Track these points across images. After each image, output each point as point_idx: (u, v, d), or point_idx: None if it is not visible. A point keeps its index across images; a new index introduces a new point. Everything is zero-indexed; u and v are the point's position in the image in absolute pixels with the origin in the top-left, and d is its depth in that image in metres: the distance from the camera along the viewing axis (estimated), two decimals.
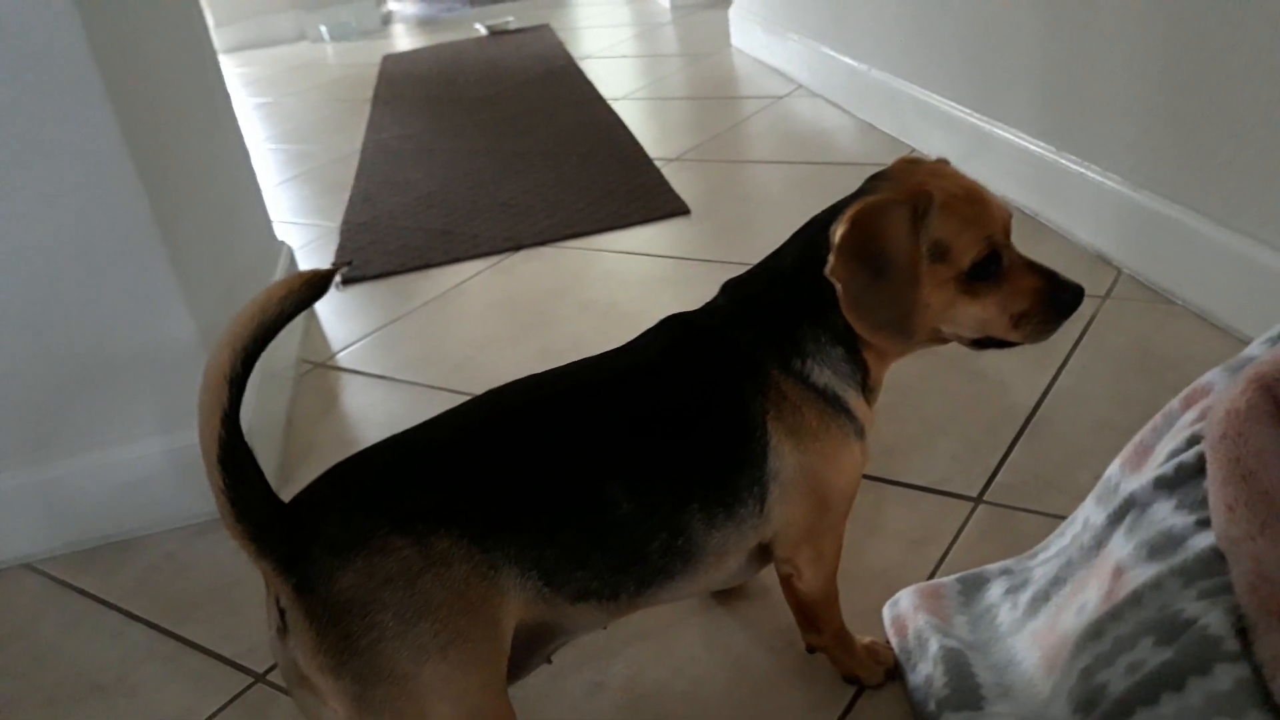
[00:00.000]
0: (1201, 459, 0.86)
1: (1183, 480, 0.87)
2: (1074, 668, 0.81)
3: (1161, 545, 0.83)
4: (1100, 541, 0.93)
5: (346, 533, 0.79)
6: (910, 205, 0.89)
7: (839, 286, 0.89)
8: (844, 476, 0.97)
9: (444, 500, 0.83)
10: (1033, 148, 2.05)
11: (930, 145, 2.52)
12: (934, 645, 1.01)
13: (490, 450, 0.88)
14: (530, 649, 0.92)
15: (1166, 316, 1.64)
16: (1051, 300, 0.93)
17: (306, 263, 2.51)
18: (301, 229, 2.84)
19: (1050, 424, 1.43)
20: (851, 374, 0.96)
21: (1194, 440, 0.90)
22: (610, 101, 3.67)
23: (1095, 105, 1.83)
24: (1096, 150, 1.85)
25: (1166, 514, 0.86)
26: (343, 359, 2.03)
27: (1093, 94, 1.83)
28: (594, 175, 2.87)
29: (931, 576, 1.19)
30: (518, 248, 2.44)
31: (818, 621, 1.06)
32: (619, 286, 2.16)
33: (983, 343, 0.96)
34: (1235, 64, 1.44)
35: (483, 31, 5.60)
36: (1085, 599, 0.89)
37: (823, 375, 0.95)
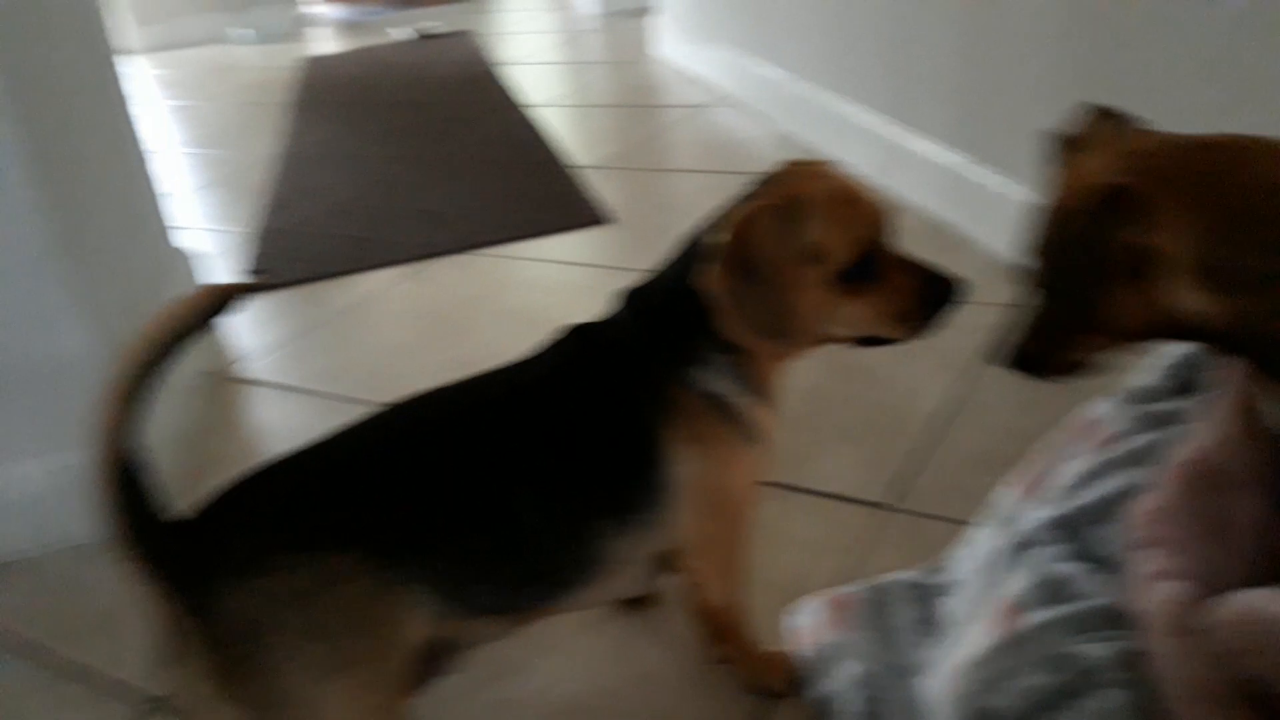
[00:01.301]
0: (1104, 504, 0.92)
1: (1081, 523, 0.91)
2: (965, 692, 0.84)
3: (1056, 592, 0.87)
4: (997, 578, 0.95)
5: (243, 553, 0.78)
6: (781, 210, 0.90)
7: (715, 295, 0.90)
8: (742, 483, 0.98)
9: (343, 519, 0.82)
10: (951, 158, 2.08)
11: (850, 156, 2.54)
12: (844, 667, 1.00)
13: (392, 466, 0.87)
14: (435, 662, 0.91)
15: None
16: (931, 296, 0.94)
17: (220, 270, 2.45)
18: (216, 236, 2.77)
19: (957, 431, 1.45)
20: (744, 380, 0.96)
21: (1093, 474, 0.95)
22: (533, 108, 3.65)
23: (1011, 117, 1.87)
24: (1013, 161, 1.88)
25: (1060, 558, 0.90)
26: (251, 370, 1.98)
27: (1009, 106, 1.87)
28: (515, 182, 2.85)
29: (839, 584, 1.19)
30: (436, 255, 2.40)
31: (724, 632, 1.06)
32: (539, 295, 2.14)
33: (867, 341, 0.97)
34: (1148, 79, 1.47)
35: (405, 36, 5.54)
36: (980, 632, 0.92)
37: (715, 383, 0.95)
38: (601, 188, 2.70)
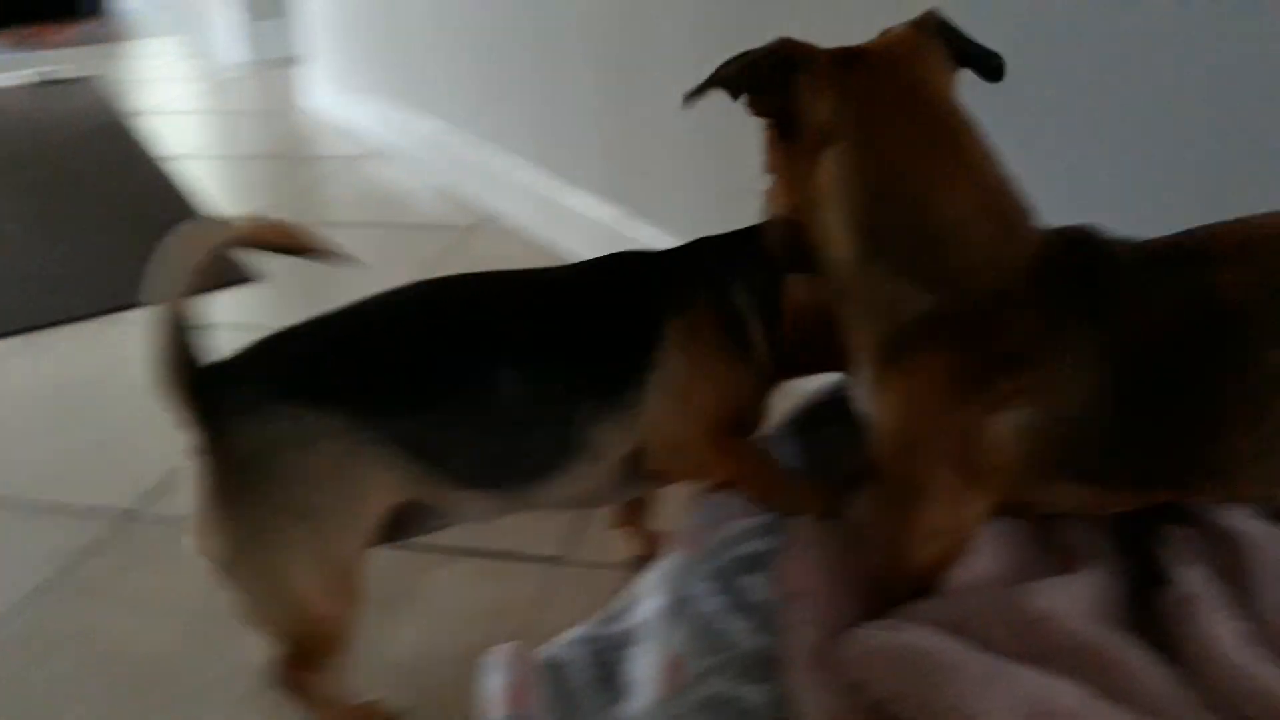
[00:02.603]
0: (753, 559, 0.96)
1: (731, 575, 0.95)
2: None
3: (716, 642, 0.90)
4: (663, 635, 0.97)
5: (241, 401, 0.90)
6: None
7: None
8: (722, 397, 1.01)
9: (331, 379, 0.92)
10: (606, 212, 2.14)
11: (509, 209, 2.56)
12: None
13: (391, 333, 0.97)
14: (412, 521, 0.99)
15: None
16: None
17: None
18: None
19: None
20: (765, 305, 1.01)
21: (747, 533, 1.00)
22: (169, 161, 3.39)
23: (660, 171, 1.95)
24: (665, 214, 1.95)
25: (718, 609, 0.93)
26: None
27: (657, 161, 1.95)
28: (148, 241, 2.57)
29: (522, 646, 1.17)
30: (55, 324, 2.16)
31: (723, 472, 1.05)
32: None
33: None
34: None
35: (21, 81, 5.00)
36: (650, 689, 0.93)
37: (738, 296, 1.01)
38: None
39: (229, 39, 5.20)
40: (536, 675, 1.08)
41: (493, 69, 2.54)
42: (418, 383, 0.93)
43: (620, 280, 1.03)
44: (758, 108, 0.88)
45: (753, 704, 0.81)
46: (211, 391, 0.89)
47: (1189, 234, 0.79)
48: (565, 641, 1.12)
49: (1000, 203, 0.79)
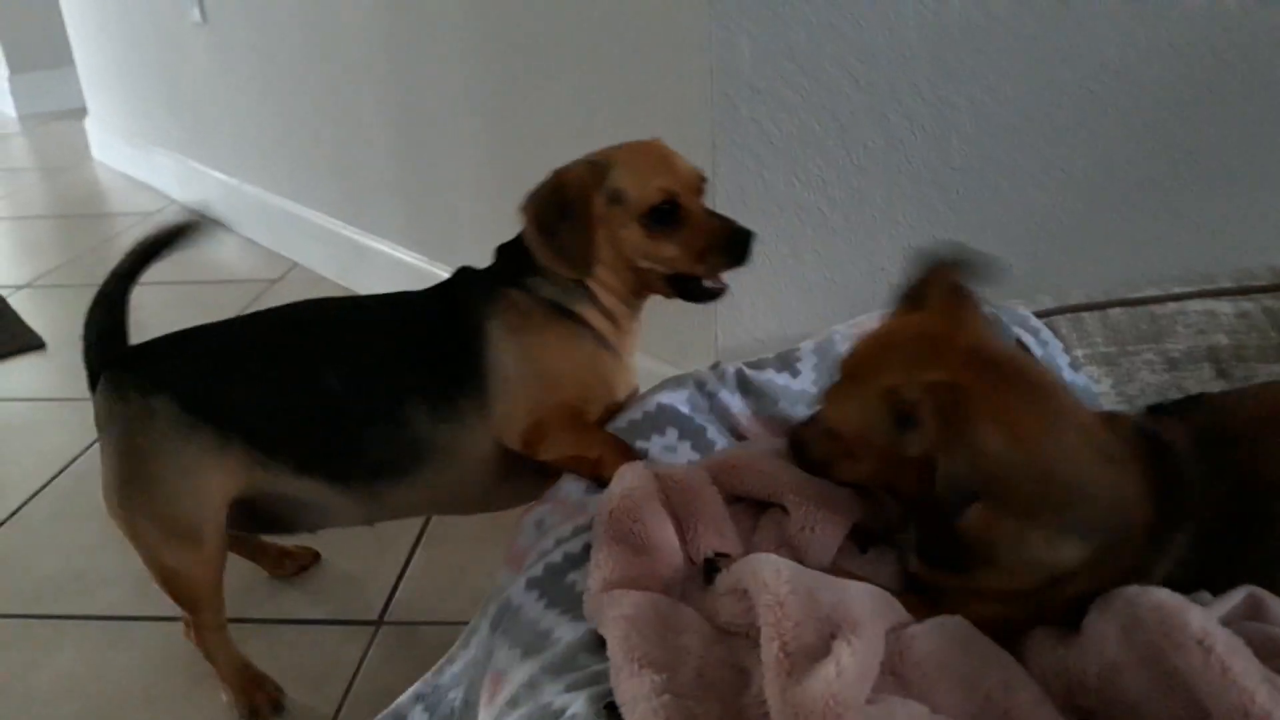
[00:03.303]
0: (568, 559, 0.93)
1: (551, 578, 0.92)
2: None
3: (534, 644, 0.87)
4: (489, 652, 0.94)
5: (114, 378, 1.06)
6: (593, 162, 1.05)
7: (526, 230, 1.06)
8: (573, 366, 1.06)
9: (170, 368, 1.06)
10: (407, 258, 2.12)
11: (311, 259, 2.50)
12: None
13: (242, 341, 1.10)
14: (269, 512, 1.10)
15: None
16: (728, 238, 1.03)
17: None
18: None
19: (443, 531, 1.45)
20: (580, 294, 1.07)
21: (560, 539, 0.96)
22: None
23: (453, 218, 1.94)
24: (462, 257, 1.94)
25: (538, 613, 0.90)
26: None
27: (449, 208, 1.94)
28: None
29: (339, 712, 1.13)
30: None
31: (600, 472, 1.03)
32: None
33: (682, 288, 1.07)
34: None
35: None
36: (480, 713, 0.89)
37: (549, 291, 1.06)
38: (35, 309, 2.40)
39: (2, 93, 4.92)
40: None
41: (283, 122, 2.48)
42: (246, 374, 1.06)
43: (441, 301, 1.11)
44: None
45: (570, 713, 0.76)
46: (116, 373, 1.06)
47: (1210, 416, 0.90)
48: (402, 701, 1.09)
49: (1099, 434, 0.82)
